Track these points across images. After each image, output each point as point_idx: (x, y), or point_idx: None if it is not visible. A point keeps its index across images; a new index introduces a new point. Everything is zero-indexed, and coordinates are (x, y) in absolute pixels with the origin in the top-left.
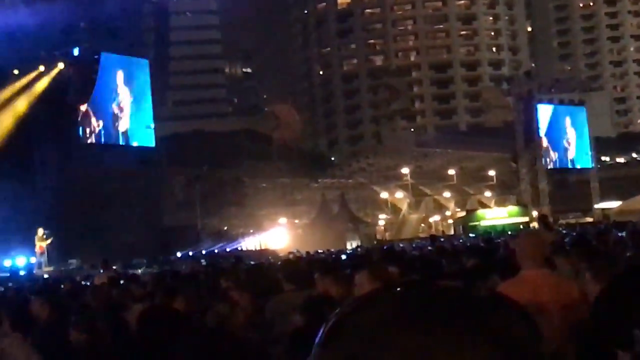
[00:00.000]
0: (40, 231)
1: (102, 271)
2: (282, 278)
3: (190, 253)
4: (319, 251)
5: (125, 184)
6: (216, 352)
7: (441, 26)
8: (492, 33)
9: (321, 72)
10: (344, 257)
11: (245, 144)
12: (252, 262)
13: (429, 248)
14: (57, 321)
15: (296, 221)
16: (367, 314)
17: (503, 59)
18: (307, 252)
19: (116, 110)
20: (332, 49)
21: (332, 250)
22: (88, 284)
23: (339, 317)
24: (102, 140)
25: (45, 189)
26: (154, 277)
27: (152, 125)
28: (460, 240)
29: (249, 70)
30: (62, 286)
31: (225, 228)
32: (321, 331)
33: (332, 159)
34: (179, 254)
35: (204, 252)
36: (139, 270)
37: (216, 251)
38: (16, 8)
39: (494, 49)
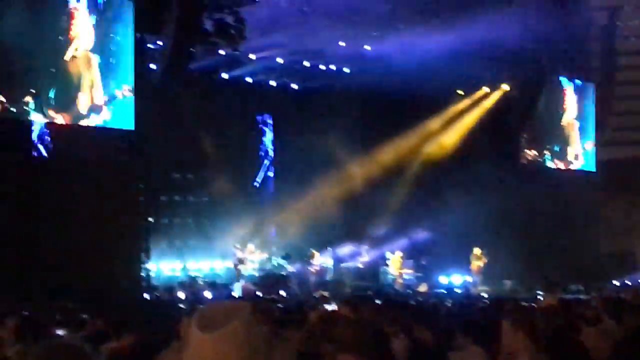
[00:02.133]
0: (477, 250)
1: (546, 293)
2: None
3: (628, 282)
4: None
5: (564, 208)
6: None
7: None
8: None
9: None
10: None
11: None
12: None
13: None
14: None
15: None
16: None
17: None
18: None
19: (566, 131)
20: None
21: None
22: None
23: None
24: (545, 162)
25: (482, 208)
26: (602, 301)
27: (592, 148)
28: None
29: None
30: (505, 306)
31: None
32: None
33: None
34: (616, 282)
35: None
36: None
37: None
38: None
39: None
